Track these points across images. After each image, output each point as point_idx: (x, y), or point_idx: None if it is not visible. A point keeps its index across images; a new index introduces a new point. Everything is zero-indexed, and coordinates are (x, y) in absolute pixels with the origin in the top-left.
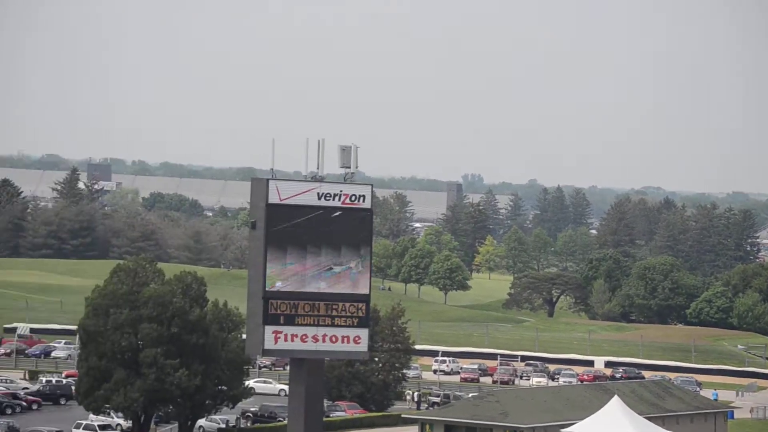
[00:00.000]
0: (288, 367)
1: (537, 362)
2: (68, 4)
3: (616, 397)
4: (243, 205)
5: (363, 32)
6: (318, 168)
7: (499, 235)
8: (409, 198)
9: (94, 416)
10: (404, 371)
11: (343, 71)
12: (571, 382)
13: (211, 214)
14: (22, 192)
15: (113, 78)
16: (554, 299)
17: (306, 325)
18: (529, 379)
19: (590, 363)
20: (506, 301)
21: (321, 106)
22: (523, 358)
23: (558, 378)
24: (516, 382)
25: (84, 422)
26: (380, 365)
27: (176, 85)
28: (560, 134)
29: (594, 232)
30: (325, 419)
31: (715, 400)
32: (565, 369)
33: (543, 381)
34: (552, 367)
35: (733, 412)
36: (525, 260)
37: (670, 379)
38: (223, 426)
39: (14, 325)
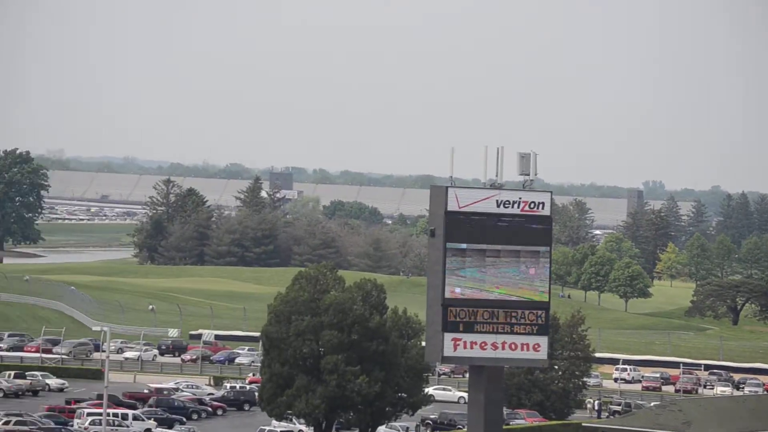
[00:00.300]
0: (467, 375)
1: (721, 371)
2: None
3: None
4: (422, 213)
5: (545, 36)
6: (497, 175)
7: (681, 242)
8: (588, 205)
9: (277, 422)
10: (584, 379)
11: (515, 75)
12: (757, 392)
13: (390, 221)
14: (207, 201)
15: (293, 91)
16: (739, 307)
17: (485, 332)
18: (712, 389)
19: None
20: (689, 309)
21: (499, 113)
22: (707, 367)
23: (743, 387)
24: (699, 391)
25: (267, 428)
26: (560, 373)
27: (356, 97)
28: (741, 139)
29: None
30: (504, 427)
31: None
32: (751, 378)
33: (727, 390)
34: (737, 377)
35: None
36: (708, 267)
37: None
38: None
39: (199, 331)
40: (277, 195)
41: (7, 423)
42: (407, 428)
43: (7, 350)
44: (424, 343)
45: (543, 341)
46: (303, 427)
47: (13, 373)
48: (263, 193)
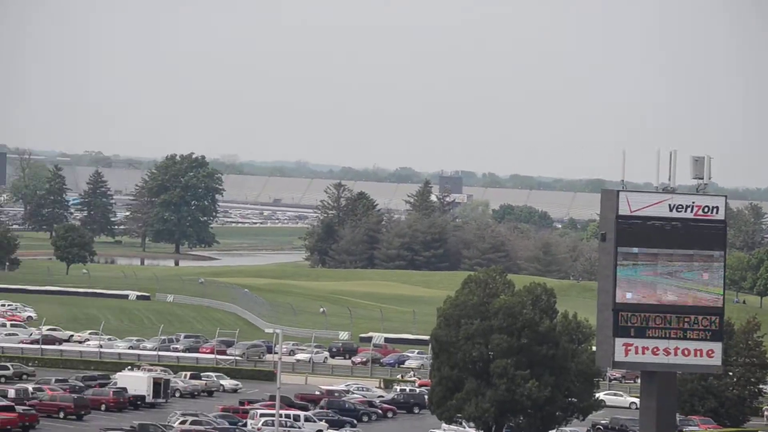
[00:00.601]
0: (638, 380)
1: None
2: None
3: None
4: (592, 217)
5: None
6: (669, 179)
7: None
8: (765, 209)
9: (447, 425)
10: (761, 386)
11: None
12: None
13: (560, 225)
14: (377, 204)
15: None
16: None
17: (657, 337)
18: None
19: None
20: None
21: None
22: None
23: None
24: None
25: (437, 431)
26: (735, 380)
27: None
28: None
29: None
30: None
31: None
32: None
33: None
34: None
35: None
36: None
37: None
38: None
39: (369, 334)
40: (447, 199)
41: (183, 422)
42: None
43: (183, 351)
44: (594, 348)
45: (717, 347)
46: (472, 431)
47: (189, 373)
48: (433, 197)
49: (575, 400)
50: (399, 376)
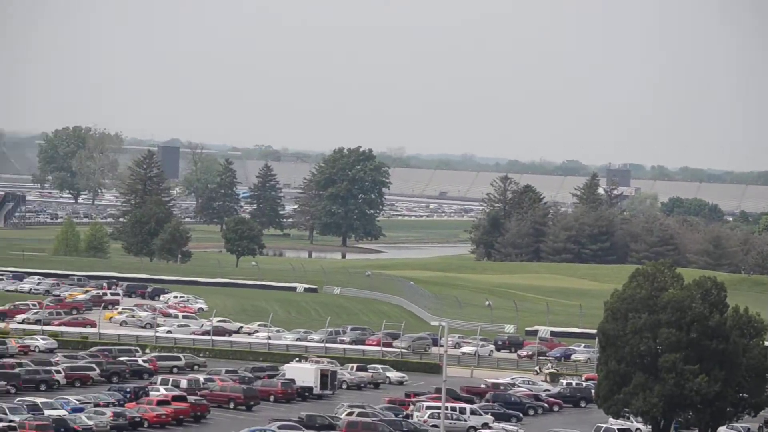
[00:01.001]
0: None
1: None
2: None
3: None
4: (765, 210)
5: None
6: None
7: None
8: None
9: (614, 420)
10: None
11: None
12: None
13: (731, 218)
14: (543, 197)
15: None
16: None
17: None
18: None
19: None
20: None
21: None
22: None
23: None
24: None
25: (604, 426)
26: None
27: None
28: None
29: None
30: None
31: None
32: None
33: None
34: None
35: None
36: None
37: None
38: None
39: (535, 327)
40: (615, 192)
41: (350, 414)
42: (749, 429)
43: (350, 343)
44: (767, 343)
45: None
46: (641, 426)
47: (355, 365)
48: (600, 190)
49: (746, 395)
50: (536, 368)
